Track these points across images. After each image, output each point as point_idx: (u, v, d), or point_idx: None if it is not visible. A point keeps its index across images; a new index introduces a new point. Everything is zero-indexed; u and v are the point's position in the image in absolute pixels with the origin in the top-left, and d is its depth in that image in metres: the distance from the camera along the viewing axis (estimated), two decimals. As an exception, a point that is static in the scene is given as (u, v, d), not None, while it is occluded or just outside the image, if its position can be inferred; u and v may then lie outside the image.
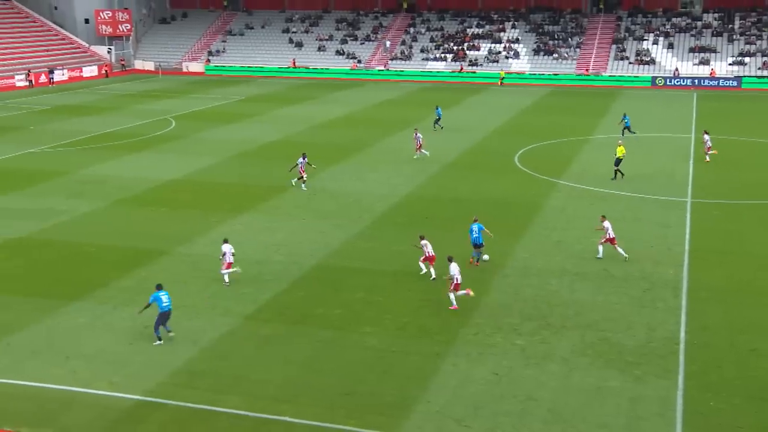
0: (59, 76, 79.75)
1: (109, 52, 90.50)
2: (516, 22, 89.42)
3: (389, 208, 33.20)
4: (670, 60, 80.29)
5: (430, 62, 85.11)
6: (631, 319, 22.07)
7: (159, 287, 20.91)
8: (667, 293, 24.00)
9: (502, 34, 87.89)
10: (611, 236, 26.55)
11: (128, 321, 21.93)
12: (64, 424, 16.91)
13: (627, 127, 48.54)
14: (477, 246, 26.18)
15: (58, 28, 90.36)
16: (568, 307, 22.91)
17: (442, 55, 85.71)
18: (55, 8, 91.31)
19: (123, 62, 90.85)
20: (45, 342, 20.74)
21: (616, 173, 37.70)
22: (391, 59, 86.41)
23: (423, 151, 42.86)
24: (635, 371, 19.08)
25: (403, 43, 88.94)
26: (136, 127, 53.53)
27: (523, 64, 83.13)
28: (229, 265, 24.60)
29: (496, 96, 70.87)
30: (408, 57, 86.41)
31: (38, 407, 17.57)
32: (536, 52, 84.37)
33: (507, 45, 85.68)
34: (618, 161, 37.66)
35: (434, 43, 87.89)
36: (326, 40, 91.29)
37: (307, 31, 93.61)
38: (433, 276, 24.87)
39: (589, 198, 34.84)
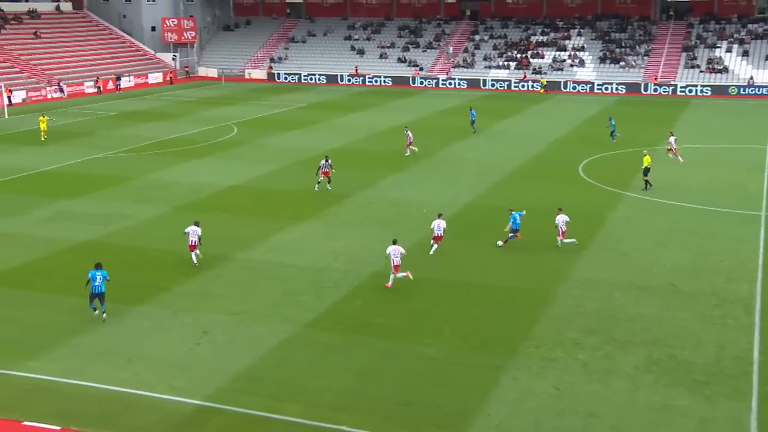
0: (126, 82, 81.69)
1: (173, 59, 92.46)
2: (582, 30, 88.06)
3: (449, 217, 32.78)
4: (744, 68, 77.82)
5: (492, 70, 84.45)
6: (701, 337, 21.32)
7: (98, 266, 22.33)
8: (739, 310, 23.13)
9: (567, 41, 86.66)
10: (563, 230, 28.44)
11: (190, 326, 22.17)
12: (126, 426, 17.14)
13: (612, 132, 49.62)
14: (516, 231, 28.47)
15: (126, 36, 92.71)
16: (633, 322, 22.27)
17: (505, 63, 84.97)
18: (124, 16, 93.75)
19: (187, 69, 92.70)
20: (110, 345, 21.10)
21: (646, 183, 36.93)
22: (454, 67, 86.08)
23: (412, 147, 45.04)
24: (705, 391, 18.38)
25: (466, 50, 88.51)
26: (199, 133, 54.42)
27: (588, 72, 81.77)
28: (192, 247, 26.18)
29: (560, 105, 69.84)
30: (470, 65, 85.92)
31: (102, 408, 17.85)
32: (602, 60, 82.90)
33: (572, 53, 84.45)
34: (646, 171, 36.91)
35: (497, 51, 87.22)
36: (388, 47, 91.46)
37: (369, 39, 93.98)
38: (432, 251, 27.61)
39: (656, 210, 33.92)
